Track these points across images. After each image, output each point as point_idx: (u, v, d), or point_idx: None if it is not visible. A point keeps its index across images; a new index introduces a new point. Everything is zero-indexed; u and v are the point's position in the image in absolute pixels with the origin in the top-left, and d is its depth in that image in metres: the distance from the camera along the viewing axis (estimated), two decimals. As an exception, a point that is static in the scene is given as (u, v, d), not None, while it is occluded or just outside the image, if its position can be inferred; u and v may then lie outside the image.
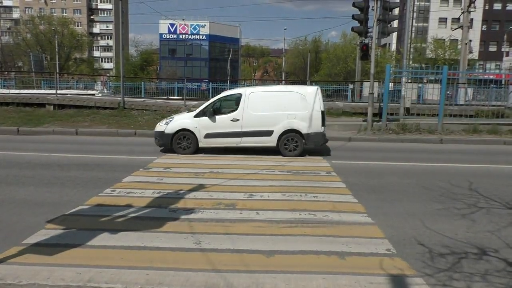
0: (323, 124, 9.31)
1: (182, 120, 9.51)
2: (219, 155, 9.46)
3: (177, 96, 28.35)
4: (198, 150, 9.60)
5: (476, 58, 48.79)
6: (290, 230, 4.69)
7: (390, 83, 16.93)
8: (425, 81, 22.54)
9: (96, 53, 79.38)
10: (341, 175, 7.48)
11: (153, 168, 7.71)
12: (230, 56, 55.62)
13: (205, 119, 9.36)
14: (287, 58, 62.03)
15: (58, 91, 21.71)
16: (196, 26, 56.37)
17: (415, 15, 45.66)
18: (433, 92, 16.11)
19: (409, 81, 17.46)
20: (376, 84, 19.87)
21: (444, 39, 43.45)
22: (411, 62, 35.33)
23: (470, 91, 19.12)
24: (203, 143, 9.41)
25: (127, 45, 57.42)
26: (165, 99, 24.31)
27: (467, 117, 15.05)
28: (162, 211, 5.26)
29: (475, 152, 10.54)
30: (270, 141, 9.30)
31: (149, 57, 50.31)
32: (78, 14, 76.04)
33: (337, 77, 44.43)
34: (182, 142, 9.42)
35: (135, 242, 4.31)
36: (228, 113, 9.35)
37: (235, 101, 9.46)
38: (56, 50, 50.02)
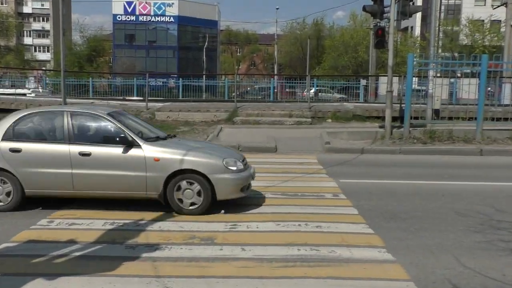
0: None
1: None
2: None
3: (137, 96, 28.38)
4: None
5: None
6: (285, 271, 4.70)
7: (414, 78, 17.26)
8: (459, 74, 22.96)
9: (28, 40, 78.75)
10: (352, 197, 7.55)
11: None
12: (206, 43, 55.92)
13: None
14: (281, 46, 62.67)
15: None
16: (161, 5, 56.61)
17: (444, -10, 46.42)
18: (469, 89, 16.38)
19: (438, 75, 17.77)
20: (395, 79, 20.23)
21: (483, 20, 43.90)
22: (440, 51, 35.98)
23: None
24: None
25: (70, 29, 57.30)
26: (121, 100, 24.31)
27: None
28: (117, 248, 5.23)
29: (524, 166, 10.74)
30: None
31: (99, 46, 50.36)
32: (4, -11, 75.72)
33: (345, 71, 44.98)
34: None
35: (80, 290, 4.27)
36: None
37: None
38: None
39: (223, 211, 6.64)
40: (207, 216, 6.39)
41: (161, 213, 6.47)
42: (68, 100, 20.29)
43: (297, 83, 31.51)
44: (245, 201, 7.22)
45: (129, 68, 47.44)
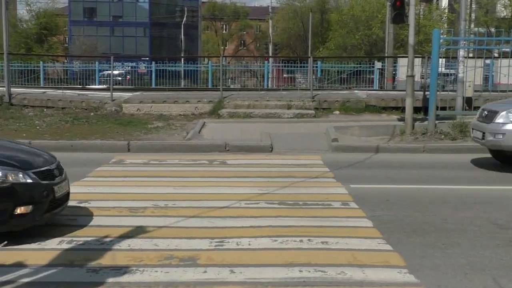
0: None
1: None
2: (167, 178, 9.53)
3: (99, 84, 28.28)
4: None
5: None
6: (285, 297, 4.70)
7: (441, 60, 17.29)
8: (496, 54, 23.04)
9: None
10: (365, 206, 7.57)
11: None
12: (184, 19, 55.73)
13: None
14: (276, 21, 62.67)
15: None
16: (129, -28, 56.44)
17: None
18: (508, 72, 16.46)
19: (471, 55, 17.83)
20: (417, 61, 20.26)
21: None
22: (472, 26, 36.05)
23: None
24: None
25: (14, 2, 56.94)
26: (79, 89, 24.24)
27: None
28: (76, 272, 5.21)
29: None
30: None
31: (51, 22, 50.02)
32: None
33: (356, 51, 45.02)
34: None
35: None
36: None
37: None
38: None
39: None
40: (188, 231, 6.39)
41: (131, 228, 6.46)
42: (13, 90, 20.21)
43: (297, 67, 31.55)
44: (232, 212, 7.22)
45: (89, 50, 47.25)
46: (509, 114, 9.93)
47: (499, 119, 9.99)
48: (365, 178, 9.75)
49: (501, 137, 9.90)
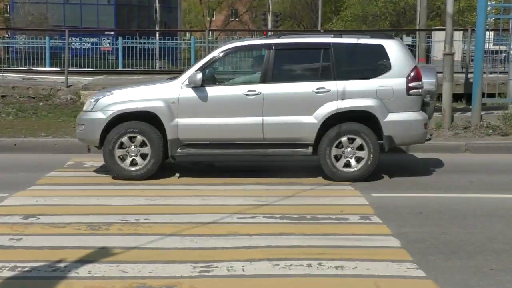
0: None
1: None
2: (139, 185, 9.53)
3: (51, 66, 28.16)
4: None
5: None
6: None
7: (488, 33, 17.24)
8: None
9: None
10: (391, 221, 7.58)
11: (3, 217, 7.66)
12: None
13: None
14: (278, -15, 62.52)
15: None
16: None
17: None
18: None
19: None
20: (458, 35, 20.30)
21: None
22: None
23: None
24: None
25: None
26: (25, 72, 24.11)
27: None
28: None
29: None
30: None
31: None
32: None
33: (379, 23, 45.02)
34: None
35: None
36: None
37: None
38: None
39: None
40: (166, 253, 6.37)
41: (92, 250, 6.45)
42: None
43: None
44: (221, 229, 7.22)
45: (37, 21, 47.08)
46: None
47: None
48: (390, 184, 9.76)
49: None
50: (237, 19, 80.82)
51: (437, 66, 21.83)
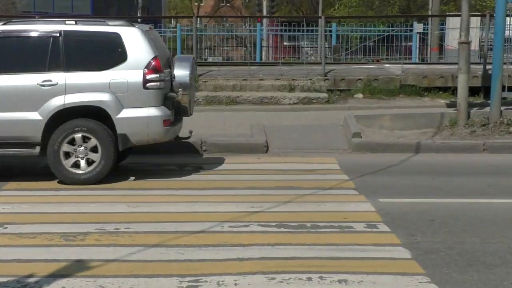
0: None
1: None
2: (119, 190, 9.55)
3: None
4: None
5: None
6: None
7: (509, 19, 17.20)
8: None
9: None
10: (400, 229, 7.56)
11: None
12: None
13: None
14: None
15: None
16: None
17: None
18: None
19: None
20: (475, 21, 20.28)
21: None
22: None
23: None
24: None
25: None
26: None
27: None
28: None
29: None
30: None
31: None
32: None
33: (387, 8, 45.05)
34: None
35: None
36: None
37: None
38: None
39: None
40: (149, 266, 6.34)
41: (66, 263, 6.41)
42: None
43: (303, 31, 31.47)
44: (211, 239, 7.19)
45: (4, 7, 47.02)
46: None
47: None
48: (399, 189, 9.75)
49: None
50: (228, 4, 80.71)
51: (452, 56, 22.01)
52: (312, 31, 30.26)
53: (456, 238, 7.28)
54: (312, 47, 30.95)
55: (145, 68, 9.89)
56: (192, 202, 8.91)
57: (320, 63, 20.11)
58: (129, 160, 11.65)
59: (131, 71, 9.92)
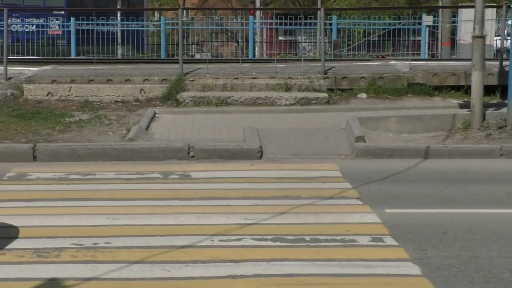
0: None
1: None
2: (97, 201, 9.52)
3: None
4: None
5: None
6: None
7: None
8: None
9: None
10: (409, 243, 7.57)
11: None
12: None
13: None
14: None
15: None
16: None
17: None
18: None
19: None
20: (490, 12, 20.31)
21: None
22: None
23: None
24: None
25: None
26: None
27: None
28: None
29: None
30: None
31: None
32: None
33: (391, 1, 45.12)
34: None
35: None
36: None
37: None
38: None
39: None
40: (132, 284, 6.32)
41: (39, 281, 6.40)
42: None
43: (301, 24, 31.52)
44: (199, 254, 7.18)
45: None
46: None
47: None
48: (408, 198, 9.76)
49: None
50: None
51: (465, 51, 22.06)
52: (310, 24, 30.35)
53: (471, 253, 7.27)
54: (311, 42, 31.00)
55: None
56: (178, 213, 8.89)
57: (319, 60, 20.16)
58: (108, 168, 11.65)
59: None
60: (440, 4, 28.99)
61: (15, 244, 7.53)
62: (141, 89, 18.39)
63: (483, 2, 14.35)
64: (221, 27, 34.70)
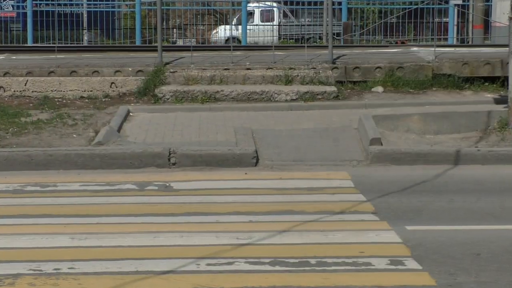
0: None
1: None
2: (60, 218, 9.51)
3: None
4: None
5: None
6: None
7: None
8: None
9: None
10: (435, 266, 7.55)
11: None
12: None
13: None
14: None
15: None
16: None
17: None
18: None
19: None
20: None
21: None
22: None
23: None
24: None
25: None
26: None
27: None
28: None
29: None
30: None
31: None
32: None
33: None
34: None
35: None
36: None
37: None
38: None
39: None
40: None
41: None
42: None
43: (304, 4, 31.57)
44: (184, 281, 7.19)
45: None
46: None
47: None
48: (433, 213, 9.76)
49: None
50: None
51: (501, 35, 22.06)
52: (315, 3, 30.36)
53: (510, 277, 7.26)
54: (316, 25, 30.99)
55: None
56: (156, 232, 8.89)
57: (326, 47, 20.19)
58: (73, 178, 11.65)
59: None
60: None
61: (-40, 270, 7.56)
62: (112, 83, 18.39)
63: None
64: (208, 7, 34.69)
